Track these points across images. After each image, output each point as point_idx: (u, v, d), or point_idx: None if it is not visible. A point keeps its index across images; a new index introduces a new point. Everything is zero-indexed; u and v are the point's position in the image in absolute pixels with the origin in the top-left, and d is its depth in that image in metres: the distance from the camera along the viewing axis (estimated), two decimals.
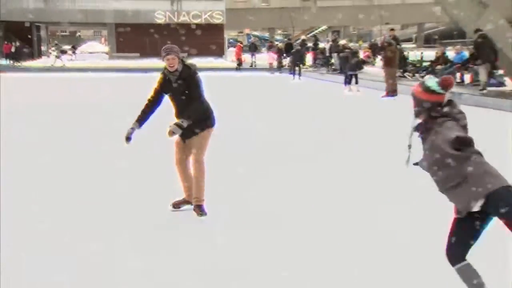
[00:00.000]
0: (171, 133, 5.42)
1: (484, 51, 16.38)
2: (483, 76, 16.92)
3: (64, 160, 8.70)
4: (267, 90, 22.49)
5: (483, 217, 3.47)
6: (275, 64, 33.14)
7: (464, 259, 3.55)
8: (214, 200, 5.98)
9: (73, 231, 5.37)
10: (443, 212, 5.51)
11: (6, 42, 38.71)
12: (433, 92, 3.54)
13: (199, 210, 5.71)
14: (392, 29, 24.03)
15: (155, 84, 5.77)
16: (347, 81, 20.62)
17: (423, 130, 3.63)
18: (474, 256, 3.78)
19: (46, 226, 5.41)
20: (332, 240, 5.16)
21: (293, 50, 29.88)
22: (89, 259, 4.62)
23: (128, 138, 5.62)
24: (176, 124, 5.43)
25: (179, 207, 5.94)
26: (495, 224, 3.79)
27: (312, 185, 7.14)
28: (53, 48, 42.85)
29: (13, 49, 37.50)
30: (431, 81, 3.64)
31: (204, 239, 5.15)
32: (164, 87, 5.58)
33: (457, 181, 3.41)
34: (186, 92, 5.49)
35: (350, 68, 20.44)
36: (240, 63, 35.24)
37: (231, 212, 5.98)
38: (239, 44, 40.04)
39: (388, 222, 5.61)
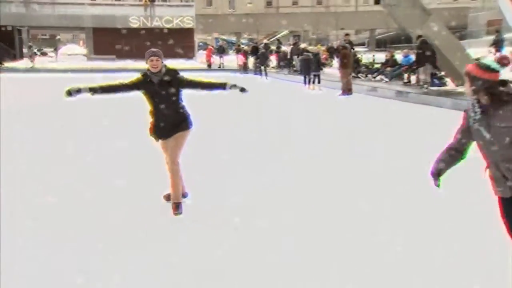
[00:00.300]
0: None
1: (425, 54, 16.80)
2: (424, 77, 17.29)
3: (52, 158, 8.43)
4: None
5: None
6: (242, 63, 33.10)
7: None
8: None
9: (72, 230, 5.07)
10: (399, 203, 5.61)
11: None
12: (490, 69, 3.33)
13: (176, 209, 5.44)
14: (347, 34, 24.31)
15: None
16: (308, 81, 20.89)
17: (486, 107, 3.36)
18: (474, 256, 4.01)
19: (44, 225, 5.13)
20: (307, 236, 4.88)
21: (259, 53, 30.07)
22: (89, 259, 4.35)
23: (69, 93, 5.16)
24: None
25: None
26: (494, 223, 3.85)
27: (293, 178, 6.99)
28: (25, 51, 42.28)
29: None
30: (488, 60, 3.59)
31: (191, 238, 4.83)
32: (140, 86, 5.32)
33: None
34: (169, 91, 5.29)
35: (314, 69, 20.66)
36: (209, 64, 35.21)
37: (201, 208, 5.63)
38: (210, 47, 39.96)
39: (357, 213, 5.47)
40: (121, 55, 40.32)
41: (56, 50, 50.96)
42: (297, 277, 4.00)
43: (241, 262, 4.28)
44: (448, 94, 15.66)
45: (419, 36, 16.85)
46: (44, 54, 57.21)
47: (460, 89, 16.45)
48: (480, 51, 23.18)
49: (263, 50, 30.61)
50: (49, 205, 5.78)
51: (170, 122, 5.35)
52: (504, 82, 3.33)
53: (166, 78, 5.27)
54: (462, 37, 41.32)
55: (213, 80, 5.71)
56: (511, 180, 3.26)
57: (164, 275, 4.06)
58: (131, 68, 35.33)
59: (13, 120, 12.44)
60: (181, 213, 5.43)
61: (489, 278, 3.83)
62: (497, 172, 3.32)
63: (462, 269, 4.06)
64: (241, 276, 4.05)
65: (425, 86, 17.09)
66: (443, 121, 12.15)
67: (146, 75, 5.30)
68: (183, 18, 43.59)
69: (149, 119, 5.48)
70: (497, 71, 3.34)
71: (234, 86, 5.38)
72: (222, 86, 5.45)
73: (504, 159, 3.27)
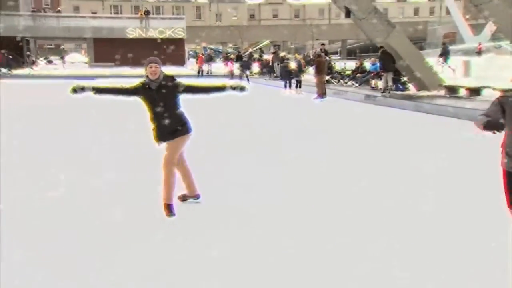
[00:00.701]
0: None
1: (386, 62, 17.12)
2: (386, 82, 17.46)
3: (58, 158, 8.29)
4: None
5: None
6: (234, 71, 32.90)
7: None
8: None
9: (72, 227, 4.74)
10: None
11: None
12: None
13: (167, 210, 5.05)
14: (322, 44, 24.40)
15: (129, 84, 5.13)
16: (289, 85, 20.98)
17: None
18: (475, 255, 3.80)
19: (45, 226, 4.76)
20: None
21: (242, 60, 30.17)
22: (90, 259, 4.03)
23: (74, 90, 4.93)
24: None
25: (186, 200, 5.46)
26: (494, 224, 3.83)
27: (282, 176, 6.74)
28: (32, 59, 42.00)
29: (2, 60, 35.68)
30: None
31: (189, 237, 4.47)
32: (139, 92, 5.02)
33: None
34: (168, 98, 5.01)
35: (295, 75, 20.73)
36: (200, 71, 34.93)
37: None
38: (200, 55, 39.78)
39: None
40: (119, 63, 40.24)
41: (63, 58, 50.53)
42: (297, 277, 3.68)
43: (238, 263, 3.94)
44: (410, 97, 15.77)
45: (381, 47, 17.09)
46: (50, 62, 56.62)
47: (420, 93, 16.60)
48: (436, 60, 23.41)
49: (245, 58, 30.72)
50: (50, 202, 5.49)
51: (169, 127, 5.02)
52: None
53: (165, 83, 5.00)
54: (422, 48, 41.74)
55: (211, 84, 5.39)
56: None
57: (156, 277, 3.71)
58: (129, 75, 35.17)
59: (20, 120, 12.31)
60: (174, 214, 5.02)
61: (489, 277, 3.60)
62: None
63: (462, 269, 3.79)
64: (240, 276, 3.71)
65: (387, 91, 17.21)
66: (405, 122, 12.35)
67: (145, 82, 5.04)
68: (175, 29, 43.45)
69: (150, 125, 5.13)
70: None
71: (233, 88, 5.16)
72: (221, 88, 5.19)
73: None
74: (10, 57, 34.66)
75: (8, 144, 8.64)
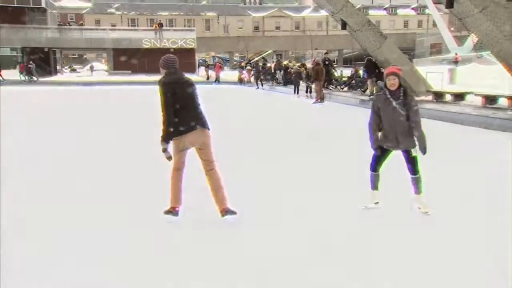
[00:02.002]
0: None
1: (370, 70, 17.61)
2: (370, 87, 17.88)
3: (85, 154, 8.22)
4: (247, 97, 22.31)
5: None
6: (249, 78, 32.57)
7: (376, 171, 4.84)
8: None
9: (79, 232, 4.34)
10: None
11: (19, 63, 37.57)
12: None
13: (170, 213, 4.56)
14: (326, 53, 24.03)
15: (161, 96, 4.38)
16: (298, 91, 20.94)
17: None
18: (475, 255, 3.67)
19: (50, 231, 4.30)
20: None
21: (254, 69, 30.19)
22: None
23: (165, 150, 4.39)
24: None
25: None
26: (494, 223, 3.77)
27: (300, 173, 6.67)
28: (58, 67, 42.64)
29: (25, 68, 35.59)
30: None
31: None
32: (168, 91, 4.39)
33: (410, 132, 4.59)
34: (191, 98, 4.46)
35: (306, 81, 20.97)
36: (217, 78, 33.92)
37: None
38: (218, 64, 39.72)
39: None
40: (136, 70, 40.75)
41: (91, 68, 51.15)
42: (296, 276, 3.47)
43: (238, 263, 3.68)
44: None
45: (367, 55, 17.33)
46: (73, 70, 56.94)
47: None
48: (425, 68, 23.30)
49: (256, 67, 30.74)
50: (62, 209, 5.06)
51: (187, 122, 4.42)
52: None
53: (185, 81, 4.51)
54: (411, 57, 41.62)
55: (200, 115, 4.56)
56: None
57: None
58: (144, 81, 35.38)
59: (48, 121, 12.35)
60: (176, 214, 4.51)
61: (490, 277, 3.42)
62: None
63: (462, 270, 3.56)
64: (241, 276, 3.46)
65: (371, 96, 17.43)
66: None
67: (171, 78, 4.45)
68: (186, 40, 43.56)
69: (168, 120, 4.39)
70: None
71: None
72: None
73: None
74: (30, 66, 34.83)
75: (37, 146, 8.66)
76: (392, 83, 4.57)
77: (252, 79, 30.81)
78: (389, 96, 4.58)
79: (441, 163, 7.05)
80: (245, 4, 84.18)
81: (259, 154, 8.10)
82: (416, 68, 18.15)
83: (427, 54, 52.87)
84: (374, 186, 4.87)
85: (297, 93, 21.01)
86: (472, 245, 3.94)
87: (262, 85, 28.09)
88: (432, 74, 19.05)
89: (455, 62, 38.71)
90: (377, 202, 4.88)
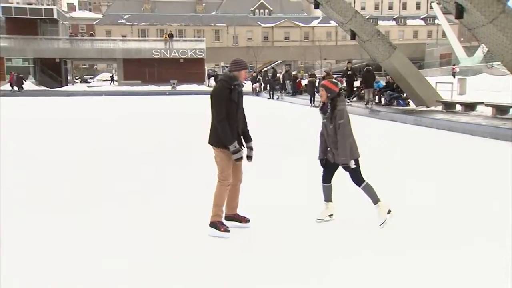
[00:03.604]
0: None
1: (368, 80, 18.75)
2: (367, 96, 18.80)
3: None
4: (262, 106, 21.89)
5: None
6: (260, 89, 33.07)
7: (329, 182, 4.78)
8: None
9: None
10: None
11: (11, 73, 36.89)
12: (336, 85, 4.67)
13: (220, 227, 4.50)
14: (349, 61, 22.96)
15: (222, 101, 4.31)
16: (313, 100, 20.97)
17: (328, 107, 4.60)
18: (475, 255, 3.70)
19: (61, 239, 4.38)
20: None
21: (267, 79, 30.27)
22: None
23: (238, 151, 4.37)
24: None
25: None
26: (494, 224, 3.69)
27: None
28: (69, 78, 43.27)
29: (16, 78, 35.18)
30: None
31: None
32: (225, 98, 4.34)
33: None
34: (242, 103, 4.55)
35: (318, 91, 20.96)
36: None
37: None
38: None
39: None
40: (145, 81, 41.06)
41: (112, 78, 51.89)
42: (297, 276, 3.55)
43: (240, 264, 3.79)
44: (410, 112, 15.68)
45: (366, 65, 17.66)
46: (84, 81, 57.69)
47: (419, 108, 16.50)
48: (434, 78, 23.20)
49: (267, 78, 30.82)
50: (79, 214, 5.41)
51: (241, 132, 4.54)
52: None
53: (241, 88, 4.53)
54: (420, 67, 41.54)
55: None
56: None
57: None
58: (154, 91, 35.71)
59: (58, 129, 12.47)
60: (228, 230, 4.45)
61: (489, 277, 3.46)
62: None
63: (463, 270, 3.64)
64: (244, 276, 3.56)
65: (370, 103, 18.40)
66: (406, 134, 12.28)
67: (231, 86, 4.36)
68: (195, 50, 43.80)
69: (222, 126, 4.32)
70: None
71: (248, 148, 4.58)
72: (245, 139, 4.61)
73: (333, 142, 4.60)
74: (21, 76, 35.23)
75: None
76: (320, 94, 4.66)
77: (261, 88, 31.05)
78: (320, 109, 4.69)
79: (451, 173, 7.01)
80: (254, 14, 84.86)
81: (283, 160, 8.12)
82: (426, 78, 18.10)
83: (437, 64, 52.76)
84: (327, 198, 4.81)
85: (313, 103, 21.02)
86: (481, 255, 3.91)
87: (273, 95, 28.23)
88: (442, 84, 19.00)
89: (453, 74, 38.62)
90: (331, 215, 4.80)
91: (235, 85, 4.38)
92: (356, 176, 4.61)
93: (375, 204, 4.64)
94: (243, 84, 4.62)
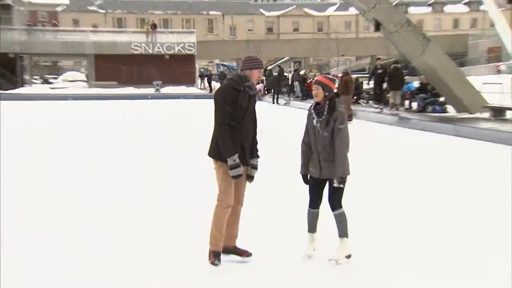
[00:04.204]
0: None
1: (395, 80, 18.33)
2: (393, 99, 18.58)
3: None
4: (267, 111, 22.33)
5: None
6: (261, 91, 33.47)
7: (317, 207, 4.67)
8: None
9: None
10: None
11: None
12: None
13: (214, 257, 4.58)
14: (378, 58, 22.97)
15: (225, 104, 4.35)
16: None
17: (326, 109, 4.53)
18: (475, 255, 3.91)
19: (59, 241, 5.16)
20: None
21: (271, 80, 30.58)
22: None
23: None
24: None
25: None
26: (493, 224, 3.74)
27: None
28: (27, 77, 42.92)
29: None
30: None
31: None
32: (231, 101, 4.37)
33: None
34: (253, 108, 4.58)
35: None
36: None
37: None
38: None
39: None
40: (122, 82, 40.83)
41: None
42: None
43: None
44: (448, 120, 15.68)
45: (395, 62, 17.50)
46: (46, 81, 57.87)
47: (461, 115, 16.51)
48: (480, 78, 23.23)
49: (271, 78, 31.13)
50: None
51: (249, 145, 4.54)
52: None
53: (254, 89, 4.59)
54: (462, 64, 41.56)
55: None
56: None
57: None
58: (132, 95, 35.74)
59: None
60: (216, 264, 4.51)
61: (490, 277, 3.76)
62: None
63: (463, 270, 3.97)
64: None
65: (396, 108, 18.37)
66: (443, 147, 12.22)
67: (239, 86, 4.41)
68: (184, 44, 43.94)
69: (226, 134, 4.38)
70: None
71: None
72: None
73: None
74: None
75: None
76: (315, 93, 4.56)
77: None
78: (312, 111, 4.57)
79: (500, 194, 6.99)
80: (256, 1, 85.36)
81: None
82: (468, 79, 18.17)
83: (483, 61, 52.84)
84: (310, 227, 4.70)
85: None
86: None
87: (278, 100, 28.32)
88: (489, 85, 19.00)
89: (498, 71, 38.84)
90: (314, 249, 4.71)
91: (245, 86, 4.42)
92: (339, 198, 4.54)
93: (340, 238, 4.57)
94: (255, 87, 4.63)
